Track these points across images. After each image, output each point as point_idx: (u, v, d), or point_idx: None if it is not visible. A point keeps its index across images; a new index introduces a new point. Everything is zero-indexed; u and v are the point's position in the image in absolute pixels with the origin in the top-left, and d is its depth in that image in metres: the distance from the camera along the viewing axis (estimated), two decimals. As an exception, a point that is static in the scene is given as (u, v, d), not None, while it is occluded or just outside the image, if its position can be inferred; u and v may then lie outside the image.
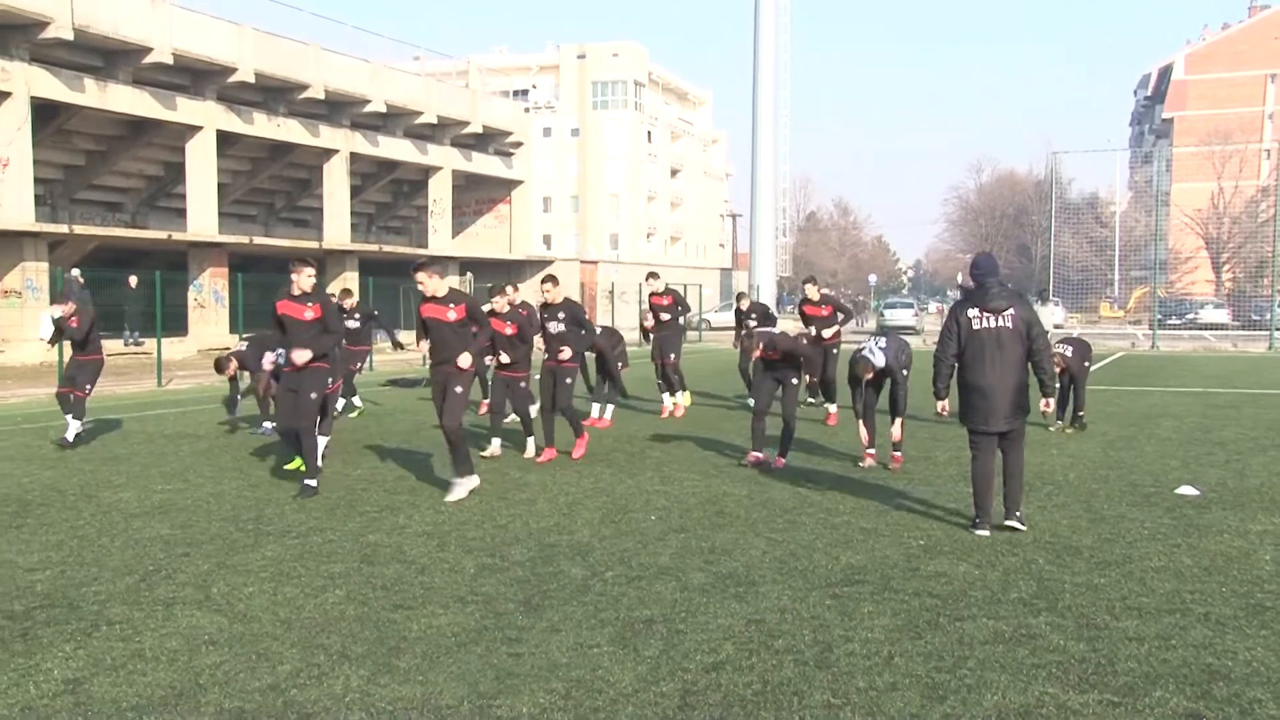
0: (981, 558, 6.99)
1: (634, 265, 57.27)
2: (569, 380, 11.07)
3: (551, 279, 11.34)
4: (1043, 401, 7.96)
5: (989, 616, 5.73)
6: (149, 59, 31.14)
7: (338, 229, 39.66)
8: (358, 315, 15.43)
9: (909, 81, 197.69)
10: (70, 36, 28.53)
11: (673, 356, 15.15)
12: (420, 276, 9.14)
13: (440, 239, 45.14)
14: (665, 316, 15.41)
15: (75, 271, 27.94)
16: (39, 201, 31.08)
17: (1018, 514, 7.71)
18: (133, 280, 29.25)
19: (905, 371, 10.66)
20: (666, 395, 15.23)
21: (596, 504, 8.82)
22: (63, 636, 5.44)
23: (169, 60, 31.54)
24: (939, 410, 8.18)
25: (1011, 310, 7.59)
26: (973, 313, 7.62)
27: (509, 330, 11.09)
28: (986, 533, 7.53)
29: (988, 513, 7.64)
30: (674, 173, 76.78)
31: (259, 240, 37.43)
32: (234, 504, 8.85)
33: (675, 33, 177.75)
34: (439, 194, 45.60)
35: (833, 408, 14.33)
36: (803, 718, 4.44)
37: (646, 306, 15.77)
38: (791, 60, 76.25)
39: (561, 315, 11.23)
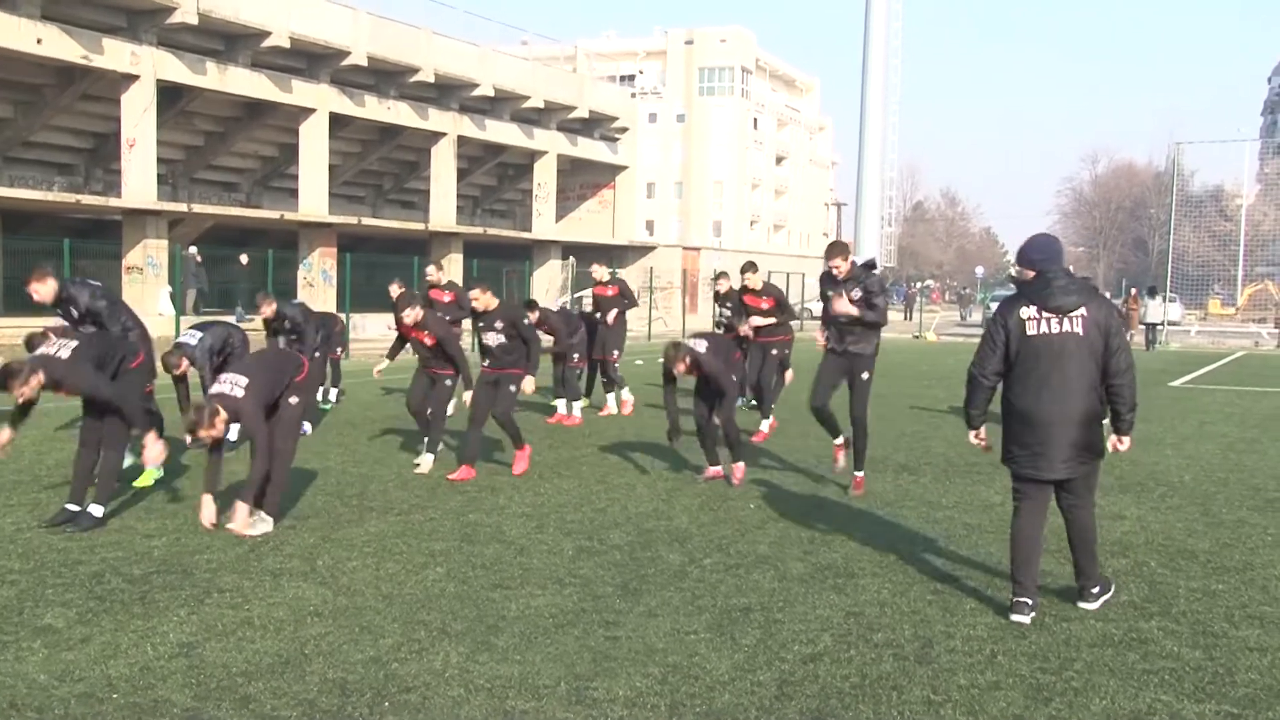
0: (1091, 558, 6.77)
1: (736, 253, 56.99)
2: (513, 388, 9.41)
3: (481, 285, 9.53)
4: (1113, 438, 5.74)
5: (1097, 619, 5.55)
6: (267, 42, 31.95)
7: (444, 211, 40.23)
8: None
9: (1024, 67, 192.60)
10: (194, 21, 29.40)
11: (616, 353, 14.02)
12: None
13: (544, 223, 45.49)
14: (614, 310, 14.07)
15: (193, 249, 28.90)
16: (161, 181, 32.14)
17: (1094, 589, 5.72)
18: (244, 258, 30.09)
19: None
20: (611, 394, 14.13)
21: (695, 491, 8.80)
22: (177, 601, 5.61)
23: (286, 44, 32.30)
24: (975, 442, 6.02)
25: (1084, 311, 5.45)
26: (1028, 313, 5.50)
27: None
28: (1026, 619, 5.46)
29: (1030, 588, 5.54)
30: (779, 160, 76.09)
31: (367, 221, 38.17)
32: (339, 479, 9.04)
33: (784, 17, 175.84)
34: (544, 178, 45.93)
35: (765, 424, 12.14)
36: (901, 713, 4.36)
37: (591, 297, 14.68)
38: (903, 46, 74.93)
39: (499, 325, 9.41)
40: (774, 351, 12.50)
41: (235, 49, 32.20)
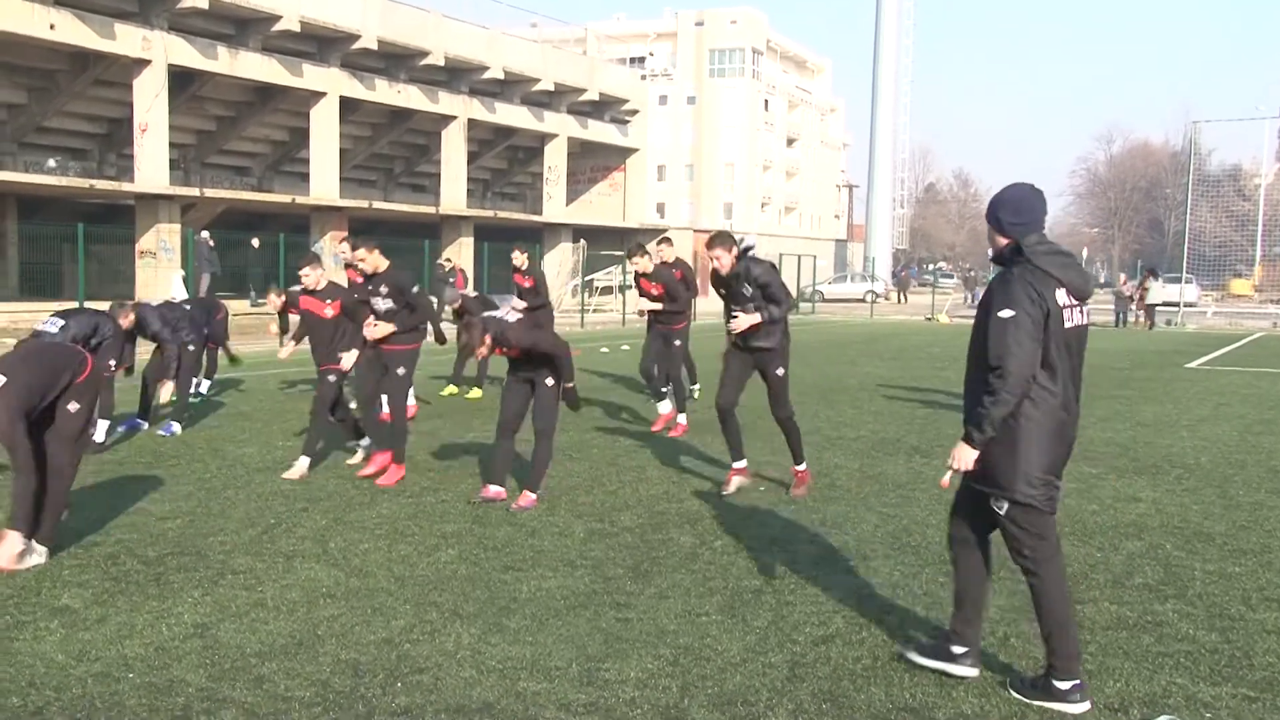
0: (1104, 540, 6.76)
1: (748, 235, 56.86)
2: (401, 371, 8.55)
3: (368, 245, 8.58)
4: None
5: (1112, 601, 5.53)
6: (278, 26, 31.88)
7: (454, 195, 40.20)
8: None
9: (1038, 46, 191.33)
10: (205, 5, 29.34)
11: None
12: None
13: (555, 206, 45.43)
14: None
15: (205, 234, 28.91)
16: (173, 166, 32.16)
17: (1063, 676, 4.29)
18: (255, 242, 30.14)
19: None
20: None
21: (708, 473, 8.78)
22: (191, 583, 5.63)
23: (296, 28, 32.24)
24: (955, 467, 4.35)
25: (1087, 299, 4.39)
26: (1063, 299, 4.22)
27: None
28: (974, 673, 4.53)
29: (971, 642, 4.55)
30: (790, 142, 75.88)
31: (378, 205, 38.15)
32: (351, 460, 9.05)
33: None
34: (554, 161, 45.84)
35: (680, 417, 10.98)
36: (914, 695, 4.35)
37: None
38: (915, 27, 74.54)
39: (384, 289, 8.51)
40: (676, 343, 11.25)
41: (246, 33, 32.16)
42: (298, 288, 9.05)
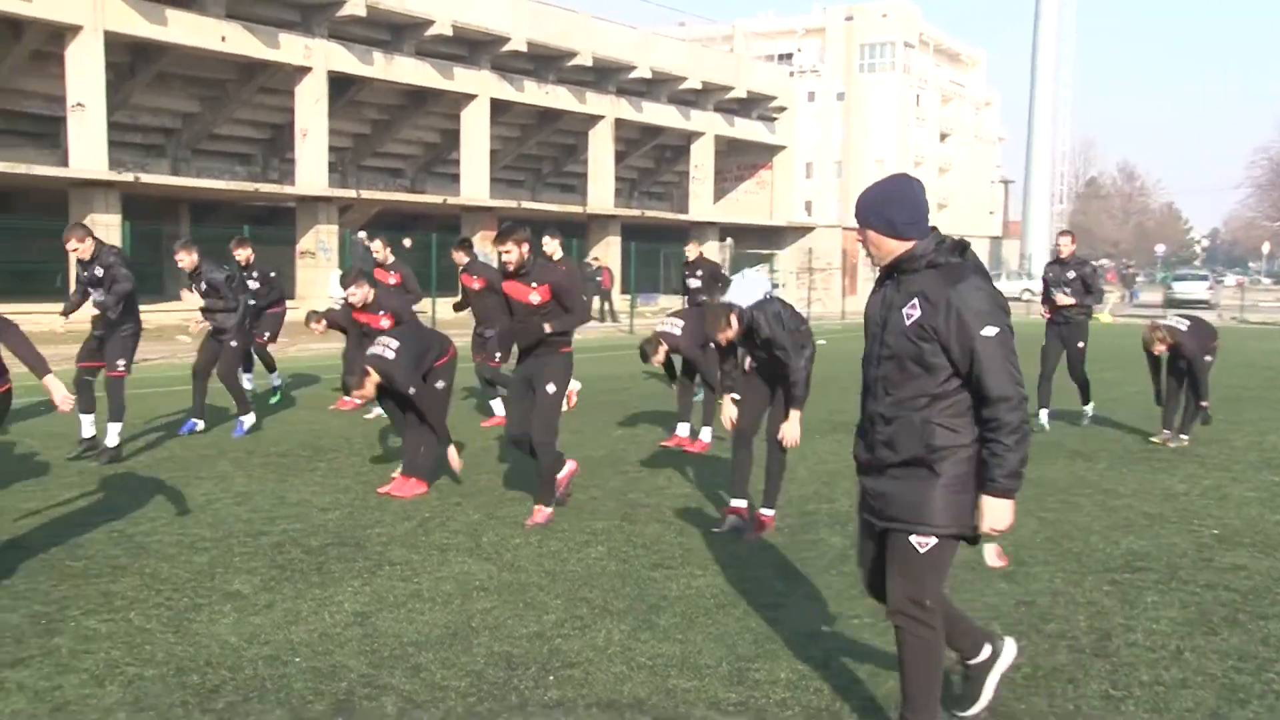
0: (1285, 552, 6.38)
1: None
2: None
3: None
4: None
5: (1295, 616, 5.21)
6: (431, 31, 32.80)
7: (602, 194, 40.62)
8: (256, 274, 12.19)
9: (1211, 30, 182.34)
10: (363, 13, 30.42)
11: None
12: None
13: (701, 205, 45.46)
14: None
15: (362, 234, 29.89)
16: (331, 169, 33.41)
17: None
18: (407, 242, 31.02)
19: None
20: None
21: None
22: (351, 573, 5.82)
23: (449, 32, 33.09)
24: (997, 529, 3.73)
25: None
26: None
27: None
28: None
29: None
30: (943, 137, 74.13)
31: (527, 204, 38.83)
32: (499, 458, 9.21)
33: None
34: (701, 159, 45.86)
35: (705, 436, 10.07)
36: (1078, 706, 4.18)
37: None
38: (1076, 14, 71.91)
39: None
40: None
41: (401, 39, 33.17)
42: (335, 308, 9.23)
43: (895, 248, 3.63)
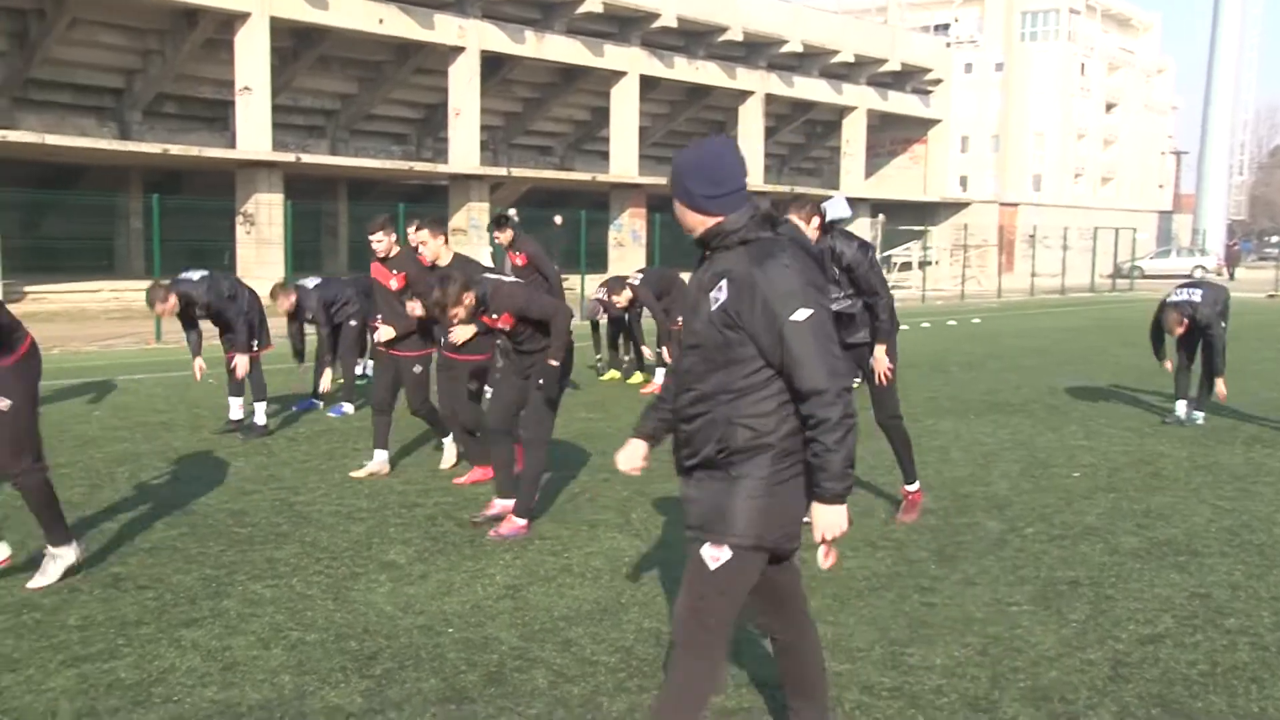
0: None
1: (1056, 208, 53.88)
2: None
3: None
4: None
5: None
6: (581, 9, 33.01)
7: (752, 170, 40.23)
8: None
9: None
10: (514, -9, 30.89)
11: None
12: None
13: (852, 180, 44.67)
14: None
15: (512, 211, 30.43)
16: (483, 147, 34.03)
17: None
18: (558, 219, 31.43)
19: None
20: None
21: (1014, 457, 8.35)
22: (502, 547, 5.90)
23: (599, 9, 33.24)
24: (829, 537, 3.31)
25: None
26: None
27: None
28: None
29: None
30: (1109, 107, 70.86)
31: (677, 182, 38.81)
32: (651, 433, 9.21)
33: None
34: (852, 134, 45.04)
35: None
36: (1263, 708, 3.93)
37: None
38: (1253, -25, 67.74)
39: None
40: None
41: (552, 16, 33.48)
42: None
43: (699, 222, 3.18)
